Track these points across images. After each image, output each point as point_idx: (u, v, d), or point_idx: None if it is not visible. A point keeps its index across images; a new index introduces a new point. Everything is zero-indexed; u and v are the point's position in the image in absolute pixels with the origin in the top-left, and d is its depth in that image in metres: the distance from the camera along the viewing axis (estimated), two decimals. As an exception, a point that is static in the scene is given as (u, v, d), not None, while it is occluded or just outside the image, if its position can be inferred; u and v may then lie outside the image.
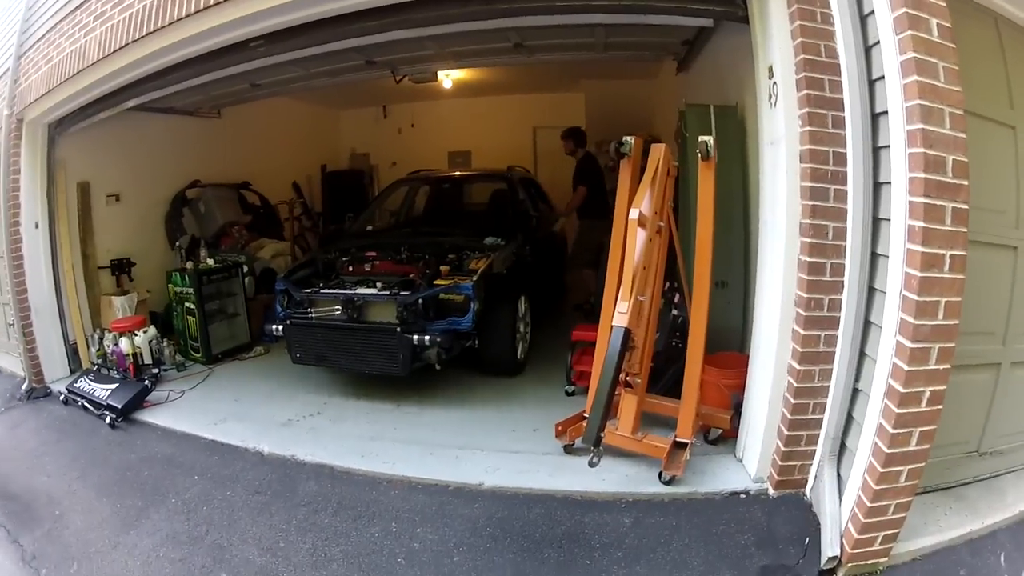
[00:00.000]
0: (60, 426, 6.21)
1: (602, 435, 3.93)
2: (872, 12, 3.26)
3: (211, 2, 5.03)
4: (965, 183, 3.00)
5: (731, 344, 5.38)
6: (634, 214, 4.02)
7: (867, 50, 3.38)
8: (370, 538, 4.12)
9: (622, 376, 4.18)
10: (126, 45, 5.68)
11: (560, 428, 4.98)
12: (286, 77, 7.99)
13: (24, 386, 7.12)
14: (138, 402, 6.24)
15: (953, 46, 2.99)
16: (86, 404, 6.37)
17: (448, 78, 10.77)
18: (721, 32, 5.46)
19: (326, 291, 6.43)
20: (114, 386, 6.38)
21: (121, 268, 8.21)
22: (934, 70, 2.97)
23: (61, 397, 6.73)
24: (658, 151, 4.45)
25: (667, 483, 4.37)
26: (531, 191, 9.24)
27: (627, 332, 3.86)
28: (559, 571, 3.72)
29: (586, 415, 4.75)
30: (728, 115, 5.29)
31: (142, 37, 5.53)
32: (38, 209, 7.16)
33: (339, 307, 6.21)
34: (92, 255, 7.93)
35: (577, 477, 4.52)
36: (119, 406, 6.07)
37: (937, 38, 2.98)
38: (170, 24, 5.31)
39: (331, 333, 6.25)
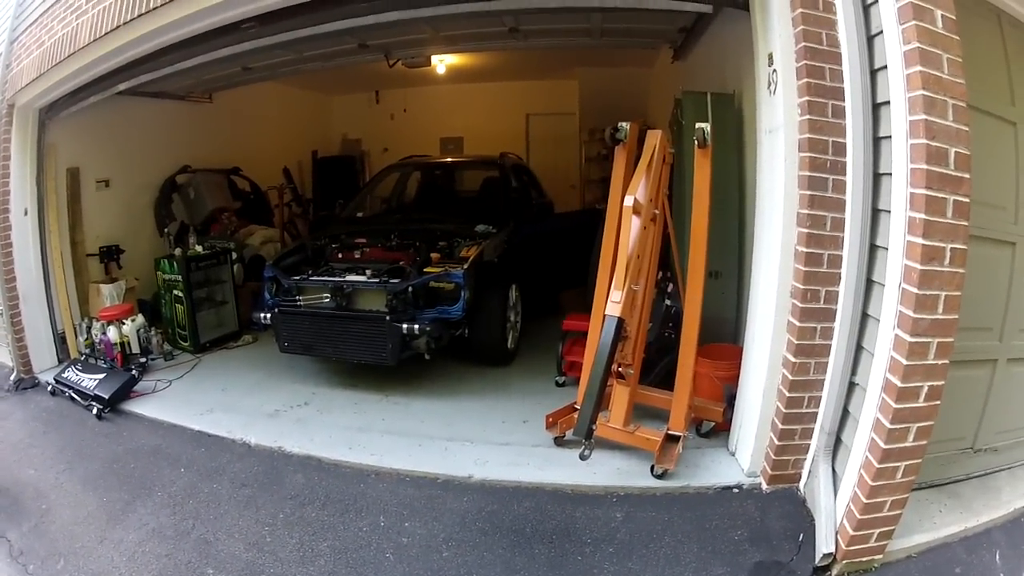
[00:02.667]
0: (47, 417, 6.11)
1: (594, 427, 3.86)
2: (876, 1, 3.21)
3: (202, -18, 4.96)
4: (967, 176, 2.94)
5: (724, 335, 5.33)
6: (629, 201, 3.95)
7: (869, 39, 3.32)
8: (358, 532, 4.05)
9: (614, 367, 4.10)
10: (118, 27, 5.58)
11: (551, 420, 4.93)
12: (278, 61, 7.98)
13: (12, 377, 7.01)
14: (125, 392, 6.15)
15: (957, 38, 2.94)
16: (73, 395, 6.27)
17: (442, 63, 10.66)
18: (720, 19, 5.39)
19: (315, 278, 6.36)
20: (101, 376, 6.29)
21: (110, 255, 8.11)
22: (938, 61, 2.91)
23: (49, 388, 6.63)
24: (654, 137, 4.39)
25: (659, 477, 4.30)
26: (523, 178, 9.13)
27: (620, 322, 3.80)
28: (550, 567, 3.66)
29: (577, 406, 4.72)
30: (725, 103, 5.22)
31: (134, 19, 5.43)
32: (27, 196, 7.06)
33: (328, 294, 6.15)
34: (81, 242, 7.82)
35: (568, 470, 4.47)
36: (106, 396, 5.99)
37: (941, 29, 2.93)
38: (162, 5, 5.22)
39: (319, 321, 6.17)
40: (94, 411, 5.93)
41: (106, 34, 5.69)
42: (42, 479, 4.97)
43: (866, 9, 3.32)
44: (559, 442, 4.88)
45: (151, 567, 3.85)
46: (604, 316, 3.91)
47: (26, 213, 7.03)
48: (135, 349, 7.14)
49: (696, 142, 4.44)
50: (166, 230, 8.80)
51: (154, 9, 5.26)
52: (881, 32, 3.17)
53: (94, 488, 4.78)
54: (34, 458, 5.32)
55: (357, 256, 6.67)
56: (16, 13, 6.98)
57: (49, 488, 4.83)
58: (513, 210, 7.80)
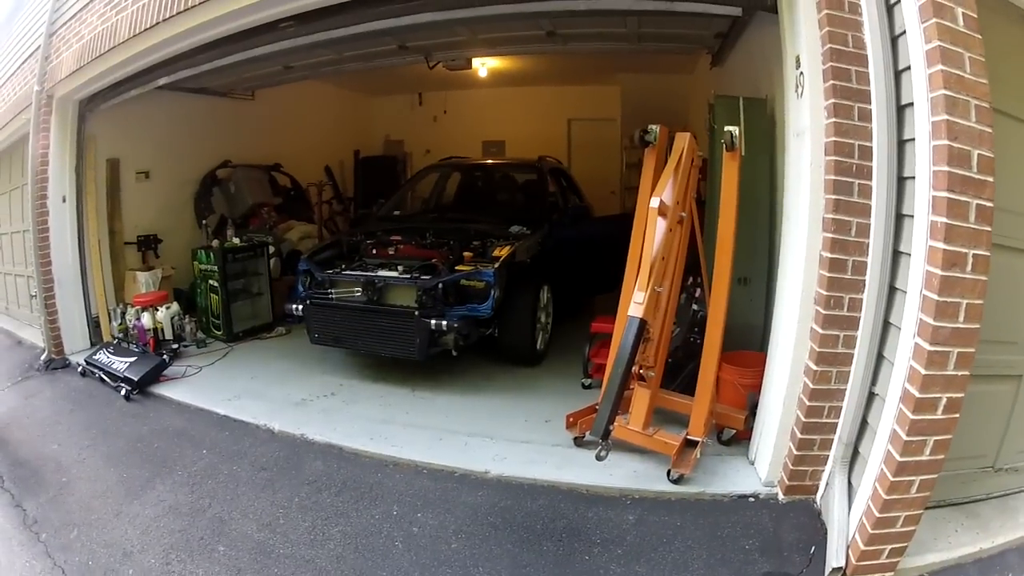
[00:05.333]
0: (76, 396, 6.30)
1: (611, 428, 3.86)
2: (898, 1, 3.15)
3: (241, -18, 5.05)
4: (990, 179, 2.85)
5: (752, 343, 5.24)
6: (654, 202, 3.94)
7: (893, 40, 3.26)
8: (370, 520, 4.10)
9: (635, 369, 4.08)
10: (156, 24, 5.75)
11: (571, 420, 4.93)
12: (319, 60, 8.06)
13: (43, 357, 7.25)
14: (154, 376, 6.30)
15: (979, 36, 2.86)
16: (103, 376, 6.44)
17: (484, 66, 10.73)
18: (754, 24, 5.33)
19: (347, 272, 6.44)
20: (132, 359, 6.45)
21: (147, 244, 8.34)
22: (959, 60, 2.83)
23: (79, 369, 6.83)
24: (683, 140, 4.37)
25: (675, 481, 4.26)
26: (561, 182, 9.15)
27: (642, 323, 3.79)
28: (556, 565, 3.65)
29: (598, 407, 4.68)
30: (758, 108, 5.15)
31: (172, 16, 5.59)
32: (66, 183, 7.30)
33: (359, 288, 6.22)
34: (119, 230, 8.05)
35: (584, 470, 4.45)
36: (135, 379, 6.14)
37: (963, 27, 2.85)
38: (201, 3, 5.37)
39: (350, 314, 6.25)
40: (122, 392, 6.08)
41: (145, 30, 5.86)
42: (65, 454, 5.12)
43: (890, 9, 3.26)
44: (578, 442, 4.87)
45: (163, 541, 3.94)
46: (627, 317, 3.89)
47: (64, 200, 7.27)
48: (168, 335, 7.29)
49: (724, 145, 4.41)
50: (204, 222, 8.97)
51: (193, 7, 5.39)
52: (904, 32, 3.11)
53: (116, 465, 4.91)
54: (59, 434, 5.47)
55: (391, 253, 6.74)
56: (54, 7, 7.19)
57: (71, 463, 4.97)
58: (548, 212, 7.81)
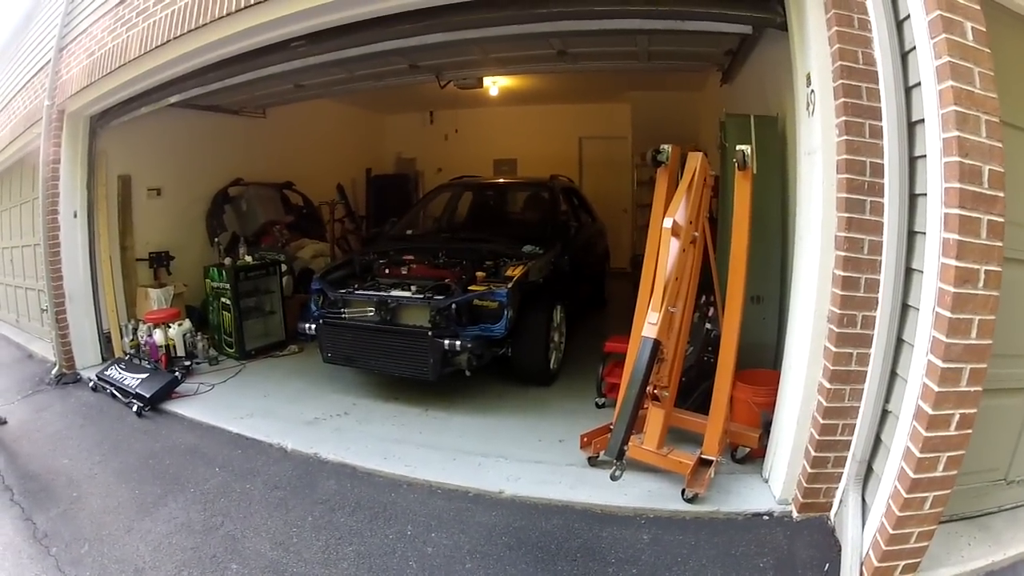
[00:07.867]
0: (86, 411, 6.34)
1: (625, 448, 3.87)
2: (908, 16, 3.16)
3: (252, 1, 5.08)
4: (1001, 195, 2.86)
5: (765, 361, 5.24)
6: (667, 223, 3.95)
7: (903, 56, 3.27)
8: (384, 540, 4.08)
9: (649, 389, 4.10)
10: (167, 42, 5.79)
11: (585, 440, 4.90)
12: (330, 79, 8.11)
13: (54, 371, 7.30)
14: (167, 392, 6.33)
15: (988, 51, 2.87)
16: (115, 392, 6.49)
17: (495, 85, 10.78)
18: (764, 42, 5.35)
19: (360, 292, 6.46)
20: (144, 376, 6.50)
21: (159, 261, 8.38)
22: (969, 75, 2.84)
23: (90, 384, 6.88)
24: (695, 159, 4.38)
25: (689, 500, 4.25)
26: (573, 201, 9.21)
27: (656, 343, 3.80)
28: (571, 585, 3.64)
29: (612, 427, 4.68)
30: (768, 126, 5.17)
31: (184, 34, 5.63)
32: (77, 199, 7.37)
33: (372, 308, 6.24)
34: (131, 247, 8.12)
35: (598, 490, 4.44)
36: (147, 395, 6.18)
37: (972, 42, 2.85)
38: (211, 22, 5.40)
39: (363, 334, 6.26)
40: (134, 408, 6.13)
41: (155, 48, 5.91)
42: (76, 469, 5.14)
43: (899, 25, 3.26)
44: (592, 462, 4.86)
45: (175, 558, 3.94)
46: (641, 337, 3.90)
47: (75, 216, 7.35)
48: (180, 352, 7.36)
49: (736, 164, 4.42)
50: (216, 240, 9.04)
51: (203, 26, 5.45)
52: (914, 48, 3.12)
53: (127, 481, 4.93)
54: (70, 448, 5.51)
55: (404, 272, 6.76)
56: (64, 22, 7.27)
57: (82, 478, 4.99)
58: (561, 232, 7.84)
